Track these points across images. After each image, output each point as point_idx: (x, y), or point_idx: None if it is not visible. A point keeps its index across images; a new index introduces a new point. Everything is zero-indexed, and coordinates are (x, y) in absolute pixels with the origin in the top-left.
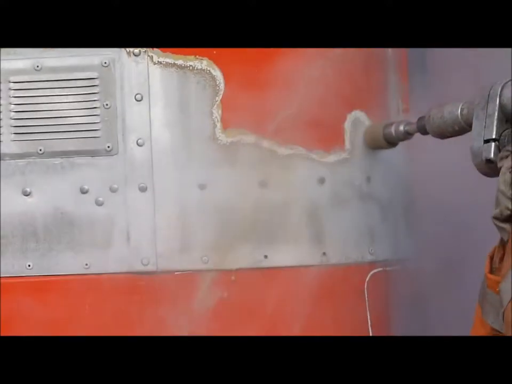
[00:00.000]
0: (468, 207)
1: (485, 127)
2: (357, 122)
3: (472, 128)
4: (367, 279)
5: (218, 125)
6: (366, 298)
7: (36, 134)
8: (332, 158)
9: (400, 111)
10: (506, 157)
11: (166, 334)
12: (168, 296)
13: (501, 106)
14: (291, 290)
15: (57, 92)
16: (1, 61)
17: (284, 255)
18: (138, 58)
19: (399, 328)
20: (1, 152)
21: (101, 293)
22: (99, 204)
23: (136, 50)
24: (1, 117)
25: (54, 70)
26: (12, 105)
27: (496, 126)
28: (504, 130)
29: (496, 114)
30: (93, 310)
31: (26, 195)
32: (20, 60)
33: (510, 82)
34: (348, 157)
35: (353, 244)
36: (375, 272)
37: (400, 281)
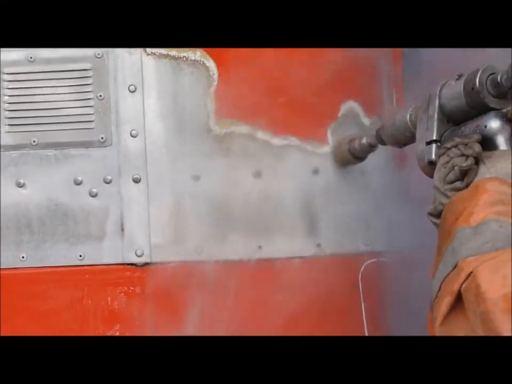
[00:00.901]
0: None
1: (426, 129)
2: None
3: (417, 132)
4: (361, 270)
5: (212, 116)
6: (360, 289)
7: (29, 126)
8: (326, 148)
9: (394, 101)
10: (443, 154)
11: (160, 326)
12: (162, 287)
13: (440, 107)
14: (285, 281)
15: (50, 83)
16: None
17: (278, 246)
18: (131, 50)
19: (394, 319)
20: None
21: (95, 284)
22: (93, 195)
23: None
24: None
25: (47, 61)
26: (5, 97)
27: (437, 127)
28: (445, 130)
29: (436, 115)
30: (87, 301)
31: (20, 187)
32: (13, 52)
33: (449, 81)
34: None
35: (348, 235)
36: (369, 263)
37: (395, 272)
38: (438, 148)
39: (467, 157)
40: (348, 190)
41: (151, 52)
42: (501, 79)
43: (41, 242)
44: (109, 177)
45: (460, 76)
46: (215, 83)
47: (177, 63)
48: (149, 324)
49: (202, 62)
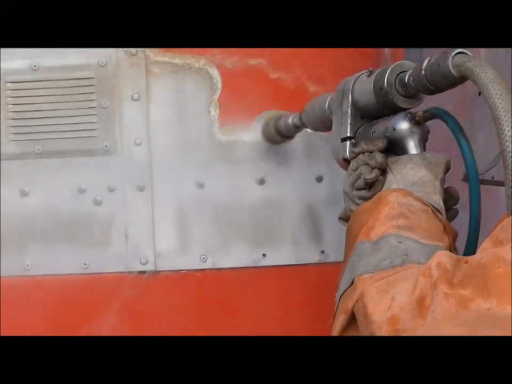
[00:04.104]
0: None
1: (341, 124)
2: None
3: (332, 125)
4: None
5: (216, 123)
6: None
7: (33, 134)
8: (328, 158)
9: None
10: (354, 157)
11: (165, 334)
12: (167, 295)
13: (354, 103)
14: (290, 289)
15: (54, 91)
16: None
17: (283, 254)
18: (135, 58)
19: None
20: None
21: (100, 292)
22: (97, 203)
23: (133, 49)
24: None
25: (51, 69)
26: (9, 105)
27: (350, 123)
28: (360, 126)
29: (349, 111)
30: (92, 309)
31: (24, 195)
32: (16, 60)
33: (361, 76)
34: None
35: None
36: None
37: None
38: (352, 145)
39: (372, 168)
40: None
41: (155, 60)
42: (408, 80)
43: (45, 251)
44: (113, 186)
45: (371, 72)
46: (219, 91)
47: (181, 71)
48: (154, 330)
49: (206, 69)
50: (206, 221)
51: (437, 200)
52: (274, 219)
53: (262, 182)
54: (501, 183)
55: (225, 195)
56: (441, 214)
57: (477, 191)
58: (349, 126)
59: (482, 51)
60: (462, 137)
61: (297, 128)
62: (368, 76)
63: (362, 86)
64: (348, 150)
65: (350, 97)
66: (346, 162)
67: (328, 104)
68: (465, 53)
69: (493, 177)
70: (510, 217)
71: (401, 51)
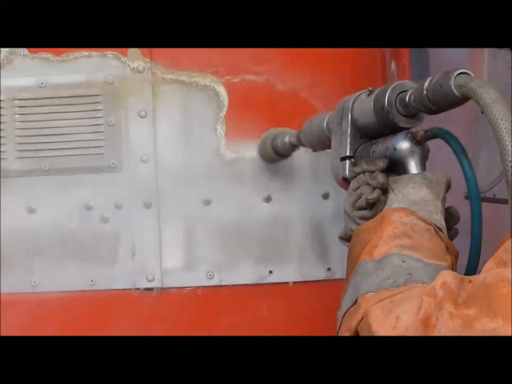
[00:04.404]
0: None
1: (340, 144)
2: None
3: (331, 144)
4: None
5: (222, 140)
6: None
7: (40, 151)
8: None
9: None
10: (354, 177)
11: None
12: (174, 312)
13: (353, 122)
14: (296, 305)
15: (61, 108)
16: (6, 79)
17: (289, 271)
18: (142, 75)
19: None
20: (6, 169)
21: (106, 309)
22: (104, 220)
23: (140, 67)
24: (5, 134)
25: (58, 87)
26: (16, 123)
27: (350, 143)
28: (359, 146)
29: (349, 130)
30: (99, 326)
31: (31, 212)
32: (24, 77)
33: (361, 95)
34: None
35: None
36: None
37: None
38: (351, 164)
39: (374, 188)
40: None
41: (162, 77)
42: (409, 100)
43: (52, 268)
44: (120, 203)
45: (371, 91)
46: (225, 108)
47: (188, 88)
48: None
49: (213, 87)
50: (212, 237)
51: (439, 219)
52: (280, 236)
53: (268, 199)
54: (502, 201)
55: (231, 212)
56: (443, 233)
57: (479, 211)
58: (348, 145)
59: (486, 53)
60: (464, 158)
61: (294, 147)
62: (368, 95)
63: (362, 105)
64: (347, 169)
65: (349, 117)
66: (346, 181)
67: (326, 123)
68: (468, 73)
69: (494, 195)
70: None
71: (407, 68)
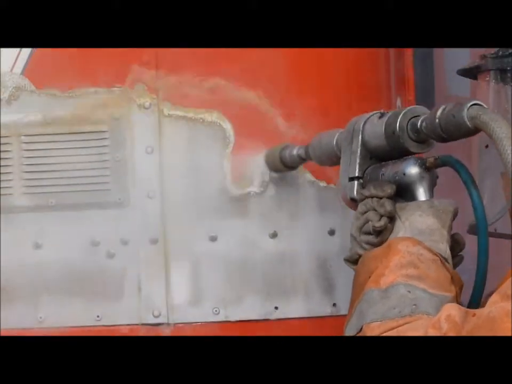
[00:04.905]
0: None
1: (349, 164)
2: None
3: (341, 163)
4: None
5: (229, 177)
6: None
7: (46, 187)
8: (341, 211)
9: None
10: (362, 200)
11: None
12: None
13: (363, 143)
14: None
15: (68, 144)
16: (13, 114)
17: (295, 306)
18: (148, 111)
19: None
20: (13, 204)
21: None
22: (110, 256)
23: (147, 103)
24: (12, 169)
25: (64, 122)
26: (23, 158)
27: (359, 163)
28: (368, 167)
29: (359, 151)
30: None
31: (38, 247)
32: (30, 113)
33: (372, 117)
34: None
35: None
36: None
37: None
38: (360, 185)
39: (381, 215)
40: None
41: (168, 114)
42: (420, 126)
43: (58, 303)
44: (126, 238)
45: (382, 114)
46: (232, 144)
47: (194, 125)
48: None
49: (219, 123)
50: (218, 273)
51: (444, 249)
52: (286, 272)
53: (274, 235)
54: (505, 236)
55: (238, 248)
56: (449, 263)
57: (485, 242)
58: (357, 166)
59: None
60: (474, 188)
61: (302, 160)
62: (380, 117)
63: (373, 127)
64: (355, 190)
65: (360, 137)
66: (353, 201)
67: (336, 141)
68: (480, 105)
69: (495, 230)
70: None
71: (413, 104)
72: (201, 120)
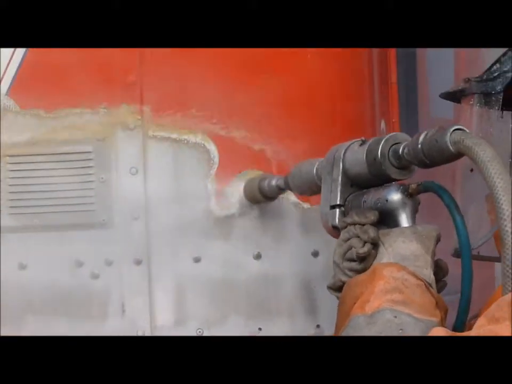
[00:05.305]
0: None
1: (330, 192)
2: None
3: (321, 192)
4: None
5: (213, 198)
6: None
7: (31, 208)
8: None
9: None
10: (344, 227)
11: None
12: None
13: (344, 171)
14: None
15: (53, 165)
16: None
17: (278, 327)
18: (133, 132)
19: None
20: None
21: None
22: (94, 276)
23: (131, 124)
24: None
25: (49, 143)
26: (8, 179)
27: (341, 191)
28: (349, 194)
29: (340, 179)
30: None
31: (22, 268)
32: (15, 133)
33: (352, 145)
34: None
35: None
36: None
37: None
38: (341, 212)
39: (364, 242)
40: None
41: (153, 135)
42: (402, 152)
43: (43, 324)
44: (110, 259)
45: (363, 142)
46: (216, 166)
47: (178, 146)
48: None
49: (203, 144)
50: (202, 294)
51: (428, 274)
52: (270, 293)
53: (258, 256)
54: (494, 259)
55: (221, 269)
56: (433, 288)
57: (469, 268)
58: (339, 194)
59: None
60: (457, 213)
61: (281, 190)
62: (360, 145)
63: (354, 155)
64: (337, 217)
65: (341, 165)
66: (335, 229)
67: (316, 170)
68: (463, 129)
69: (478, 252)
70: (508, 296)
71: (397, 126)
72: (185, 141)
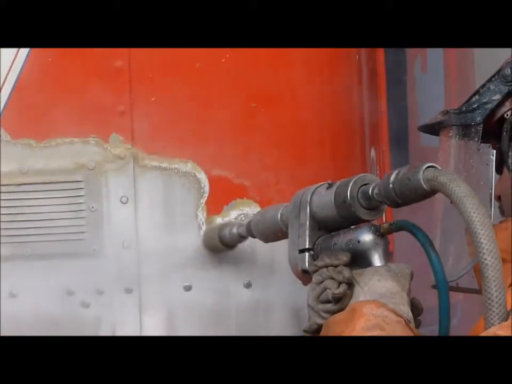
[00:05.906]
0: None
1: (298, 236)
2: None
3: (289, 237)
4: None
5: (203, 227)
6: None
7: (22, 237)
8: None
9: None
10: (315, 271)
11: None
12: None
13: (312, 215)
14: None
15: (43, 194)
16: None
17: None
18: (123, 161)
19: None
20: None
21: None
22: (85, 306)
23: (122, 153)
24: None
25: (40, 173)
26: None
27: (309, 235)
28: (318, 238)
29: (308, 223)
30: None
31: (13, 297)
32: (6, 163)
33: (319, 189)
34: None
35: None
36: None
37: None
38: (311, 256)
39: (339, 282)
40: None
41: (143, 164)
42: (372, 192)
43: None
44: (101, 288)
45: (330, 185)
46: (206, 194)
47: (169, 175)
48: None
49: (194, 173)
50: (193, 323)
51: (406, 311)
52: (260, 322)
53: (249, 285)
54: (473, 291)
55: (212, 298)
56: (412, 324)
57: (447, 304)
58: (307, 238)
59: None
60: (432, 250)
61: (242, 238)
62: (328, 188)
63: (321, 198)
64: (307, 261)
65: (308, 209)
66: (305, 273)
67: (280, 215)
68: (435, 167)
69: (457, 284)
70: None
71: (387, 155)
72: (175, 170)
